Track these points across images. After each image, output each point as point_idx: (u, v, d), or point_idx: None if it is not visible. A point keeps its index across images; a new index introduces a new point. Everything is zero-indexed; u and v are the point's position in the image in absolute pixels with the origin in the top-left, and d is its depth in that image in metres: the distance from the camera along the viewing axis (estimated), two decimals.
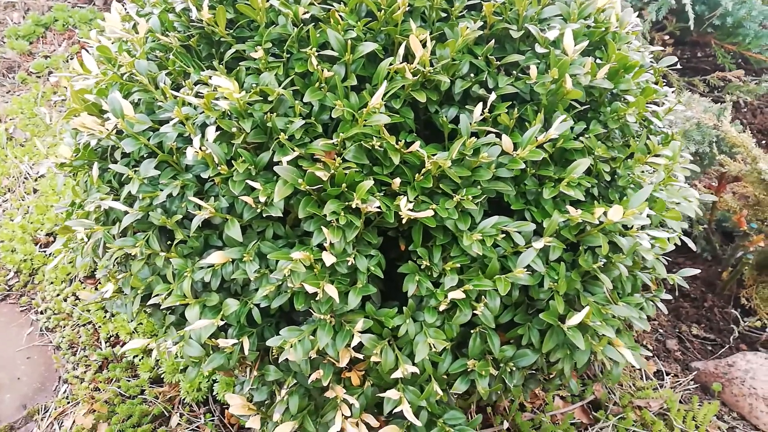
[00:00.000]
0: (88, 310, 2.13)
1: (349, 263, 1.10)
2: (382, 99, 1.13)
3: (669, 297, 1.44)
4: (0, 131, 2.88)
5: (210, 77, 1.15)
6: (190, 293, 1.14)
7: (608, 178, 1.32)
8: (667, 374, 2.04)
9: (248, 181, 1.10)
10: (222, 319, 1.14)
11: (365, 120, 1.12)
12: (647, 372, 2.04)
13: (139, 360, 1.94)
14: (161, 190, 1.19)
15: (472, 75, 1.27)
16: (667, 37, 2.77)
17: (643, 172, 1.41)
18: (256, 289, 1.17)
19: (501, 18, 1.29)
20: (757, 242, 2.06)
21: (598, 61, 1.34)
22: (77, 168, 1.35)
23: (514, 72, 1.29)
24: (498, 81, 1.26)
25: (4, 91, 3.30)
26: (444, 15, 1.29)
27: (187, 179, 1.17)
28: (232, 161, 1.14)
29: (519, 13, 1.29)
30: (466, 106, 1.28)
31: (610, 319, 1.23)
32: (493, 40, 1.28)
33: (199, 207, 1.12)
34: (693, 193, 1.50)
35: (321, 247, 1.11)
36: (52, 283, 2.25)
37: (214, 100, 1.11)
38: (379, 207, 1.09)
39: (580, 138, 1.27)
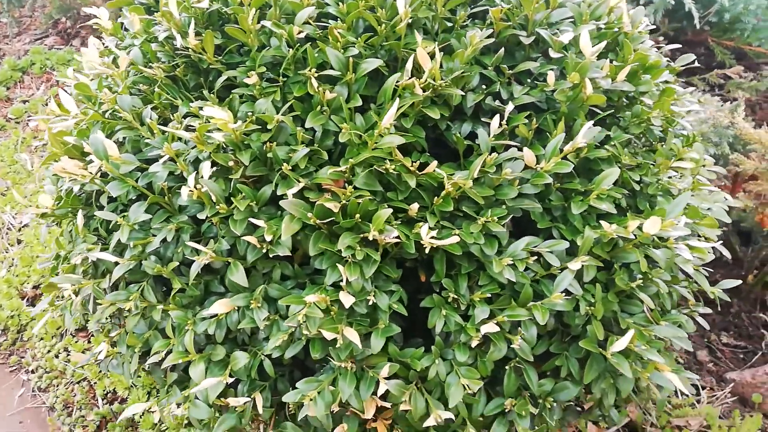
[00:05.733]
0: (82, 366, 1.99)
1: (370, 302, 0.99)
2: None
3: (708, 310, 1.34)
4: None
5: (201, 108, 1.05)
6: (192, 348, 1.02)
7: (637, 188, 1.22)
8: (703, 388, 1.93)
9: (251, 219, 0.99)
10: (231, 375, 1.02)
11: (376, 142, 1.02)
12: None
13: (140, 417, 1.80)
14: (154, 236, 1.08)
15: (483, 87, 1.18)
16: (661, 39, 2.71)
17: (670, 177, 1.32)
18: (266, 338, 1.06)
19: (509, 24, 1.20)
20: None
21: (613, 63, 1.25)
22: (60, 217, 1.24)
23: (527, 81, 1.20)
24: (512, 91, 1.17)
25: None
26: (448, 25, 1.20)
27: (181, 222, 1.06)
28: (231, 198, 1.03)
29: (528, 17, 1.20)
30: (479, 121, 1.18)
31: (654, 341, 1.12)
32: (502, 49, 1.19)
33: (198, 252, 1.01)
34: (722, 197, 1.41)
35: (335, 286, 1.00)
36: (41, 339, 2.11)
37: (207, 132, 1.01)
38: (398, 237, 0.99)
39: (606, 146, 1.17)
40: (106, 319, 1.25)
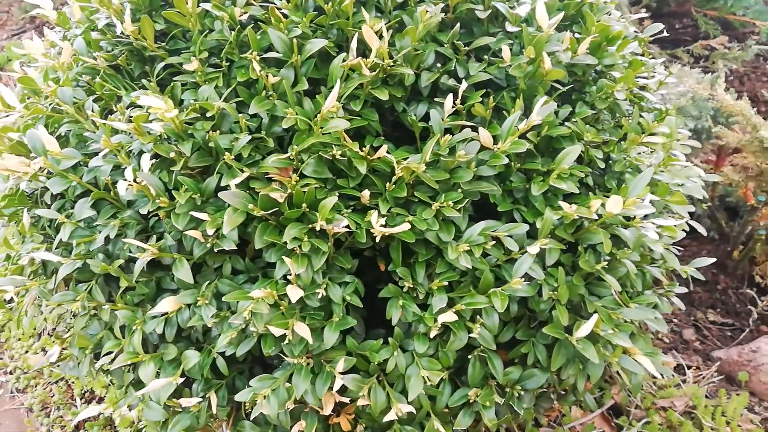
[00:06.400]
0: (59, 365, 1.96)
1: (320, 295, 0.95)
2: (339, 101, 0.99)
3: (684, 290, 1.30)
4: None
5: (139, 98, 1.01)
6: (140, 348, 0.98)
7: (602, 165, 1.17)
8: (689, 367, 1.90)
9: (194, 213, 0.95)
10: (184, 374, 0.98)
11: (322, 127, 0.97)
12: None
13: (118, 415, 1.77)
14: (99, 232, 1.04)
15: (438, 65, 1.13)
16: (644, 11, 2.65)
17: (639, 153, 1.28)
18: (219, 335, 1.02)
19: None
20: (766, 216, 1.93)
21: (577, 36, 1.20)
22: (11, 216, 1.20)
23: (486, 57, 1.15)
24: (468, 68, 1.12)
25: None
26: (401, 2, 1.15)
27: (126, 217, 1.02)
28: (175, 191, 0.99)
29: None
30: (436, 100, 1.14)
31: (623, 325, 1.08)
32: (458, 25, 1.14)
33: (142, 249, 0.97)
34: (697, 172, 1.36)
35: (287, 279, 0.96)
36: (19, 339, 2.09)
37: (146, 123, 0.96)
38: (348, 226, 0.95)
39: (567, 123, 1.12)
40: (71, 319, 1.22)
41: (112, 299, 1.10)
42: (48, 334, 2.10)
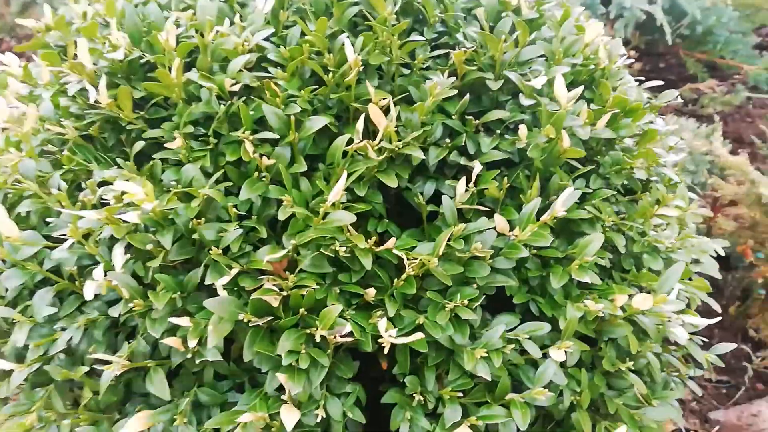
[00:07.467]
0: None
1: (319, 417, 0.83)
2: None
3: (701, 372, 1.22)
4: None
5: (114, 178, 0.88)
6: None
7: (622, 249, 1.08)
8: (687, 431, 1.82)
9: (172, 319, 0.82)
10: None
11: (324, 217, 0.86)
12: None
13: None
14: (63, 329, 0.91)
15: (447, 140, 1.03)
16: (633, 52, 2.62)
17: (656, 227, 1.19)
18: None
19: (474, 68, 1.06)
20: (765, 273, 1.88)
21: (593, 107, 1.12)
22: None
23: (498, 130, 1.06)
24: (480, 144, 1.03)
25: None
26: (406, 72, 1.05)
27: (91, 317, 0.89)
28: (151, 288, 0.86)
29: (495, 58, 1.06)
30: (444, 177, 1.04)
31: (647, 428, 0.99)
32: (467, 96, 1.04)
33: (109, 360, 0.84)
34: (710, 246, 1.28)
35: (280, 395, 0.84)
36: None
37: (119, 214, 0.84)
38: (351, 333, 0.83)
39: (586, 206, 1.03)
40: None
41: (76, 400, 0.97)
42: None
